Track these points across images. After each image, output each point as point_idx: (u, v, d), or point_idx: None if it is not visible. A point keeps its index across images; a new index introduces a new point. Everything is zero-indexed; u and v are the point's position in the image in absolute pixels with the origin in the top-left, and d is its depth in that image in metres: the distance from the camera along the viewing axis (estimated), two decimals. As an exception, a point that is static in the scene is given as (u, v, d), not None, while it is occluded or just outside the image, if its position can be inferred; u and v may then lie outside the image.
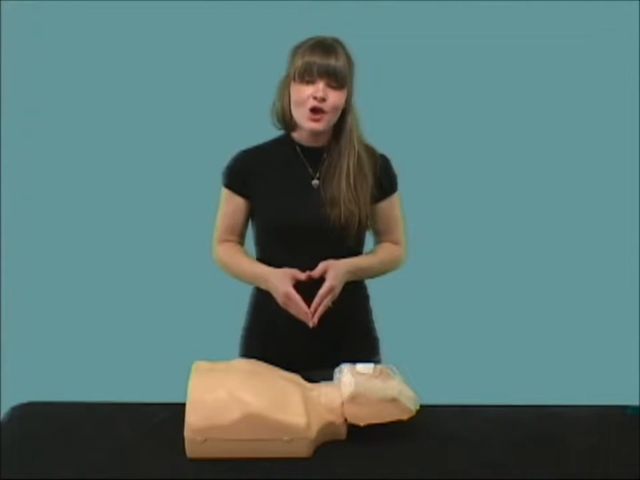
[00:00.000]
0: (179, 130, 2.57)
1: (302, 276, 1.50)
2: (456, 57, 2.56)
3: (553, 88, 2.60)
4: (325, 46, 1.51)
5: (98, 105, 2.56)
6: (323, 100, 1.48)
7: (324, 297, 1.48)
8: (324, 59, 1.48)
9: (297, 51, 1.53)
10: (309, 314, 1.47)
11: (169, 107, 2.55)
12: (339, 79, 1.49)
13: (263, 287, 1.55)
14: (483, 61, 2.57)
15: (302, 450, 1.29)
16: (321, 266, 1.50)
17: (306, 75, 1.49)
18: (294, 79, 1.51)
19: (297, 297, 1.47)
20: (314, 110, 1.49)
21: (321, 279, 1.49)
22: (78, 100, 2.55)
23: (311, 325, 1.48)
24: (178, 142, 2.57)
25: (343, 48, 1.53)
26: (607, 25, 2.51)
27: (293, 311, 1.49)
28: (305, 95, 1.49)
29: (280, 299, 1.50)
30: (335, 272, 1.50)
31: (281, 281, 1.49)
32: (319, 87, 1.48)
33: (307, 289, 1.48)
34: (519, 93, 2.59)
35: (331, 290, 1.48)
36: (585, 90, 2.58)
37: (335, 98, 1.50)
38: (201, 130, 2.55)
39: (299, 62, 1.50)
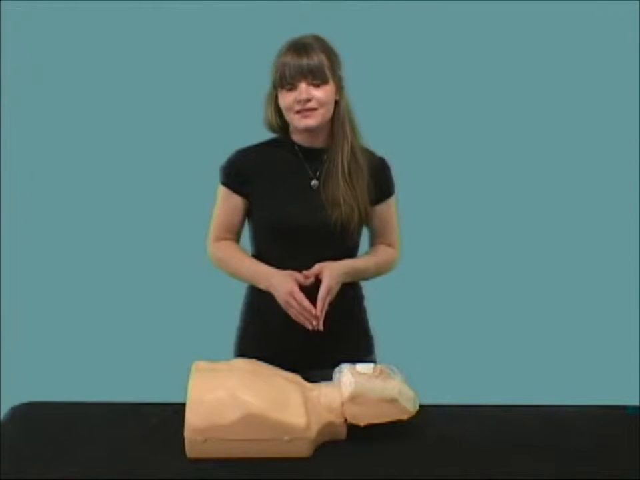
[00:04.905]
0: (176, 129, 2.58)
1: (303, 279, 1.49)
2: (453, 62, 2.56)
3: (552, 90, 2.60)
4: (298, 47, 1.50)
5: (96, 104, 2.56)
6: (308, 101, 1.48)
7: (324, 299, 1.48)
8: (296, 60, 1.48)
9: (275, 59, 1.53)
10: (313, 311, 1.46)
11: (166, 105, 2.55)
12: (317, 76, 1.48)
13: (262, 285, 1.53)
14: (480, 65, 2.57)
15: (302, 450, 1.28)
16: (316, 267, 1.50)
17: (284, 81, 1.49)
18: (276, 87, 1.53)
19: (301, 295, 1.46)
20: (300, 111, 1.50)
21: (319, 283, 1.49)
22: (77, 100, 2.56)
23: (313, 326, 1.47)
24: (175, 141, 2.58)
25: (321, 44, 1.52)
26: (607, 25, 2.51)
27: (294, 310, 1.47)
28: (289, 101, 1.50)
29: (283, 298, 1.48)
30: (330, 272, 1.50)
31: (285, 280, 1.48)
32: (302, 89, 1.48)
33: (306, 293, 1.47)
34: (517, 96, 2.59)
35: (329, 290, 1.48)
36: (584, 92, 2.58)
37: (320, 94, 1.49)
38: (198, 129, 2.55)
39: (275, 69, 1.51)
